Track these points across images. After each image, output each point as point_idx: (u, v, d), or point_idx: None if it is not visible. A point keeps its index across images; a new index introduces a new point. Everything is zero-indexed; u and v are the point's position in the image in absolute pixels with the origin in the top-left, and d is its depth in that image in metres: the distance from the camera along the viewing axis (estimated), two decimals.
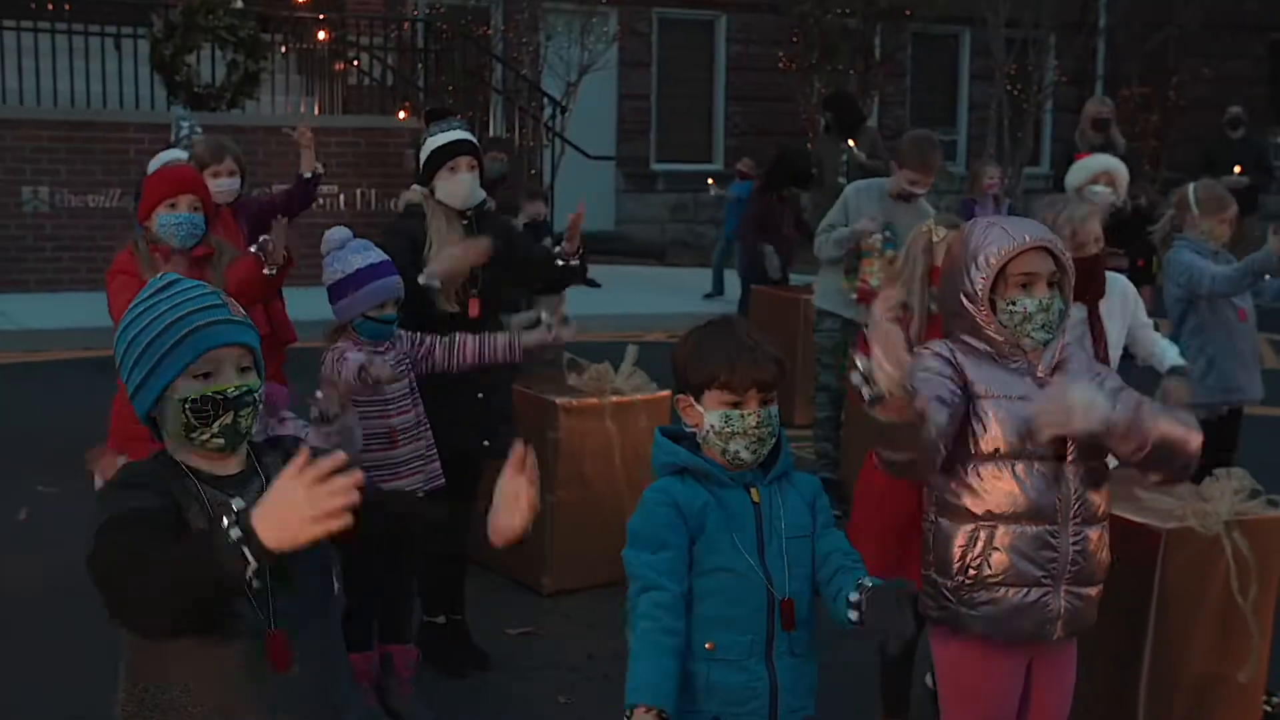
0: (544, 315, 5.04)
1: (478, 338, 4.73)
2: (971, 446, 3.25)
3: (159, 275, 2.57)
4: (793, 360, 8.89)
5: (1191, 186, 6.07)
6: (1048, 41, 18.91)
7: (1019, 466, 3.24)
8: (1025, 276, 3.26)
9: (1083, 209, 4.61)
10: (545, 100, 15.95)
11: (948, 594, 3.33)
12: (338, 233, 4.55)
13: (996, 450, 3.24)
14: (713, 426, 2.96)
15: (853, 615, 2.90)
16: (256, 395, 2.52)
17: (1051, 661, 3.40)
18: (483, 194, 5.11)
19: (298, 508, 2.12)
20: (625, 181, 18.91)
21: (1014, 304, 3.27)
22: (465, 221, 5.01)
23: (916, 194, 6.97)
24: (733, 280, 12.80)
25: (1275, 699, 4.93)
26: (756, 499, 2.98)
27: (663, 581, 2.87)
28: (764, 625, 2.94)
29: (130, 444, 4.47)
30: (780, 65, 18.24)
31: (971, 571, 3.28)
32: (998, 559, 3.26)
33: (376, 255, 4.51)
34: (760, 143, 18.44)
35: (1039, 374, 3.30)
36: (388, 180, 13.49)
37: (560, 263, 5.17)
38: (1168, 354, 5.14)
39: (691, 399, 3.00)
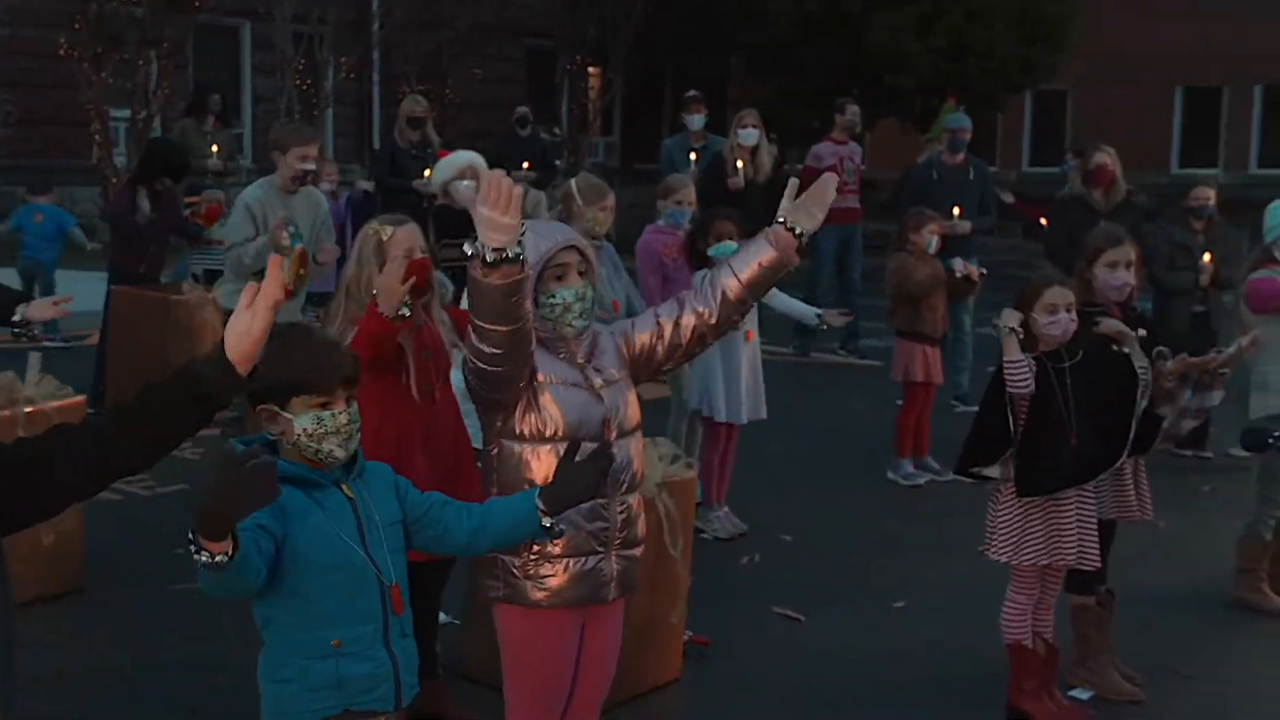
0: None
1: None
2: (535, 430, 3.54)
3: None
4: (163, 364, 8.71)
5: (573, 180, 6.71)
6: (330, 38, 19.36)
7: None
8: (559, 268, 3.56)
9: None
10: None
11: (514, 571, 3.58)
12: None
13: (555, 433, 3.54)
14: (305, 430, 3.03)
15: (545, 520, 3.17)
16: None
17: (605, 619, 3.75)
18: None
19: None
20: None
21: (553, 296, 3.56)
22: None
23: (310, 170, 7.08)
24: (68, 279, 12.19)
25: (689, 632, 5.67)
26: (350, 494, 3.12)
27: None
28: (380, 613, 3.10)
29: None
30: (60, 52, 17.30)
31: (536, 547, 3.55)
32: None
33: None
34: (39, 133, 17.46)
35: (579, 360, 3.62)
36: None
37: None
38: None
39: (275, 408, 3.05)
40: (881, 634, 6.01)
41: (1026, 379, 4.81)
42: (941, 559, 7.02)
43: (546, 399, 3.54)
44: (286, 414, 3.05)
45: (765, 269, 3.62)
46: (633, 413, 3.72)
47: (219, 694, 5.00)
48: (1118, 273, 5.10)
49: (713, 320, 3.67)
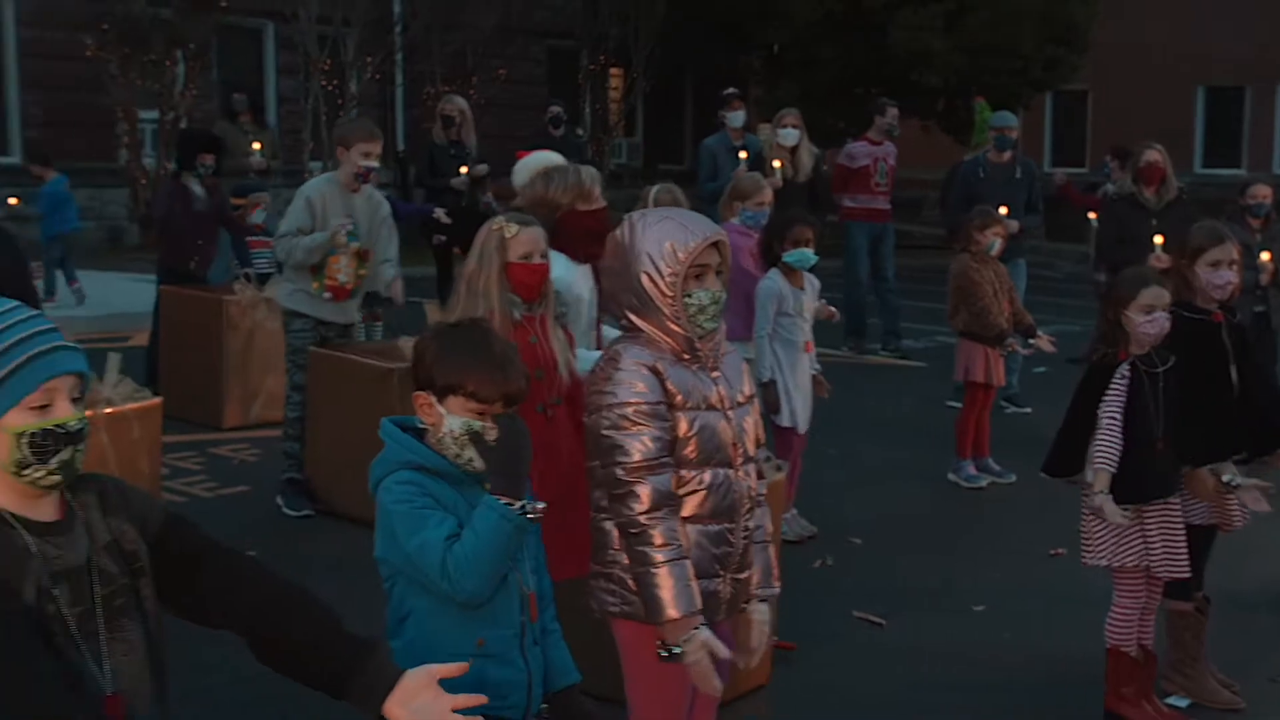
0: None
1: None
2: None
3: None
4: (217, 364, 8.68)
5: (651, 192, 6.67)
6: (356, 39, 19.29)
7: (707, 473, 3.41)
8: (699, 268, 3.42)
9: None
10: None
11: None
12: None
13: (692, 457, 3.40)
14: (452, 431, 2.97)
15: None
16: (87, 428, 2.32)
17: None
18: None
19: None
20: None
21: (689, 296, 3.41)
22: None
23: (373, 167, 6.96)
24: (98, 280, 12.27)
25: (774, 636, 5.60)
26: None
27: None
28: (518, 619, 3.04)
29: None
30: (87, 54, 17.25)
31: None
32: None
33: None
34: (66, 134, 17.37)
35: (712, 372, 3.49)
36: None
37: None
38: None
39: (433, 399, 2.99)
40: (965, 638, 5.94)
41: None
42: (1008, 561, 6.95)
43: (687, 425, 3.40)
44: (441, 409, 2.99)
45: None
46: (755, 436, 3.62)
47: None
48: (1221, 271, 5.03)
49: None
